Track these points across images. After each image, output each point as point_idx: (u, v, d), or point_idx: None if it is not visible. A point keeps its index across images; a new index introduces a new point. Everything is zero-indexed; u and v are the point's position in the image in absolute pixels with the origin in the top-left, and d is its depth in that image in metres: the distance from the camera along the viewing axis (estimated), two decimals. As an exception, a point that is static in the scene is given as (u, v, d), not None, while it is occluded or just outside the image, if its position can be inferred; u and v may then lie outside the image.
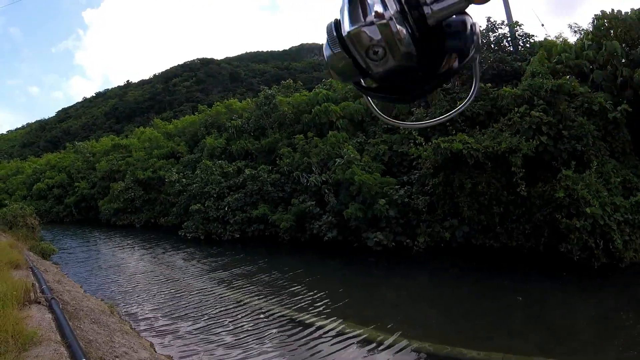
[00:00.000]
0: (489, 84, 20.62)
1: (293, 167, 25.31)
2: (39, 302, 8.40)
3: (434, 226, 19.43)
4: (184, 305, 14.75)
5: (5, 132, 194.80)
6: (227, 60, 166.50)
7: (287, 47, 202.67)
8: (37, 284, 9.96)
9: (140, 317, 13.66)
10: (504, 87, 19.73)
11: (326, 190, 22.43)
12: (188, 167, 35.90)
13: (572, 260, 15.20)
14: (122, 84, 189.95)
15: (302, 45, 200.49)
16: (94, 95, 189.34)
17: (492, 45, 24.18)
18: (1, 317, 5.96)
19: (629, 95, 17.88)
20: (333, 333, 11.38)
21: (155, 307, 14.78)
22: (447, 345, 10.14)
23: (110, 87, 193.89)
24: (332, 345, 10.69)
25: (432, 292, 15.60)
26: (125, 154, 49.68)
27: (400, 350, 10.18)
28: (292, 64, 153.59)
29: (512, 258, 17.31)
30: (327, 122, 27.16)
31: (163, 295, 16.27)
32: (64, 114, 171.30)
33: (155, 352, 9.87)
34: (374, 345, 10.55)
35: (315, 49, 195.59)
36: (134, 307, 14.83)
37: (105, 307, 12.15)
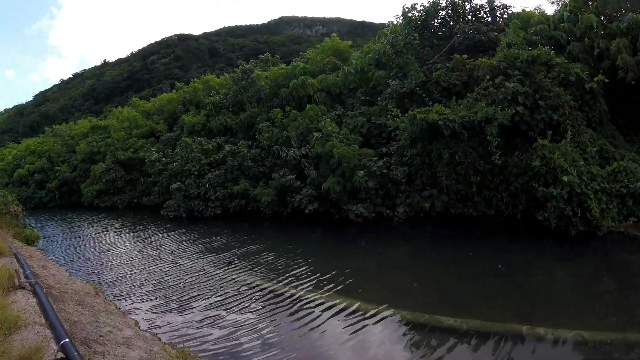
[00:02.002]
0: (465, 55, 20.67)
1: (272, 141, 25.23)
2: (24, 288, 8.41)
3: (413, 196, 19.64)
4: (168, 283, 14.82)
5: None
6: (206, 36, 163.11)
7: (266, 21, 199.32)
8: (21, 270, 9.93)
9: (124, 297, 13.72)
10: (480, 59, 19.77)
11: (306, 164, 22.48)
12: (168, 146, 35.53)
13: (549, 228, 15.33)
14: (99, 63, 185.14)
15: (281, 18, 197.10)
16: (71, 76, 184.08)
17: (469, 16, 24.07)
18: (-14, 304, 5.95)
19: (606, 66, 18.16)
20: (318, 304, 11.50)
21: (139, 287, 14.84)
22: (425, 314, 10.28)
23: (87, 68, 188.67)
24: (317, 316, 10.82)
25: (413, 261, 15.68)
26: (104, 135, 48.81)
27: (381, 319, 10.35)
28: (272, 37, 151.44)
29: (491, 226, 17.56)
30: (305, 96, 27.00)
31: (146, 275, 16.31)
32: (42, 98, 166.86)
33: (140, 329, 9.97)
34: (356, 315, 10.68)
35: (294, 21, 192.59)
36: (118, 288, 14.86)
37: (90, 289, 12.07)
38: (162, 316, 11.76)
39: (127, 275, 16.46)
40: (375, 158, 20.81)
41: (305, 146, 23.27)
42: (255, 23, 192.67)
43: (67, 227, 31.98)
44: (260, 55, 38.62)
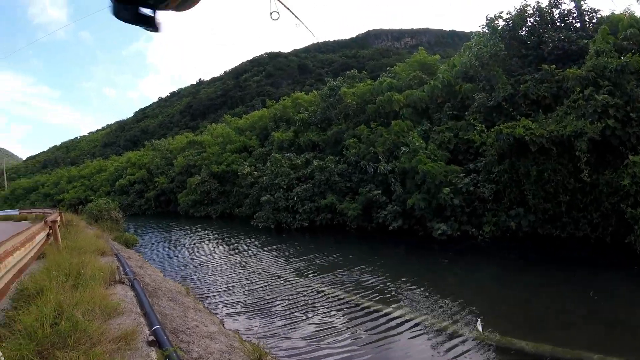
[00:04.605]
0: (554, 65, 19.65)
1: (359, 157, 25.88)
2: (123, 282, 9.47)
3: (499, 215, 19.02)
4: (256, 289, 15.75)
5: (86, 134, 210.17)
6: (295, 53, 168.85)
7: (353, 35, 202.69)
8: (121, 268, 11.21)
9: (213, 299, 14.79)
10: (568, 69, 18.76)
11: (393, 180, 22.74)
12: (259, 160, 37.64)
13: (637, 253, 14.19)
14: (194, 82, 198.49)
15: (369, 32, 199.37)
16: (169, 94, 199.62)
17: (557, 23, 22.79)
18: (90, 293, 6.97)
19: None
20: (398, 320, 11.64)
21: (228, 290, 15.88)
22: (498, 334, 10.17)
23: (183, 86, 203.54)
24: (396, 331, 10.99)
25: (495, 282, 15.06)
26: (200, 150, 52.50)
27: (451, 336, 10.32)
28: (360, 51, 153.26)
29: (579, 249, 16.41)
30: (391, 112, 27.34)
31: (236, 280, 17.40)
32: (141, 114, 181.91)
33: (224, 327, 10.57)
34: (429, 331, 10.75)
35: (382, 34, 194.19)
36: (209, 290, 16.02)
37: (182, 289, 13.06)
38: (247, 319, 12.58)
39: (217, 279, 17.63)
40: (462, 175, 20.47)
41: (392, 161, 23.55)
42: (343, 38, 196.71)
43: (163, 233, 34.38)
44: (347, 72, 39.57)
